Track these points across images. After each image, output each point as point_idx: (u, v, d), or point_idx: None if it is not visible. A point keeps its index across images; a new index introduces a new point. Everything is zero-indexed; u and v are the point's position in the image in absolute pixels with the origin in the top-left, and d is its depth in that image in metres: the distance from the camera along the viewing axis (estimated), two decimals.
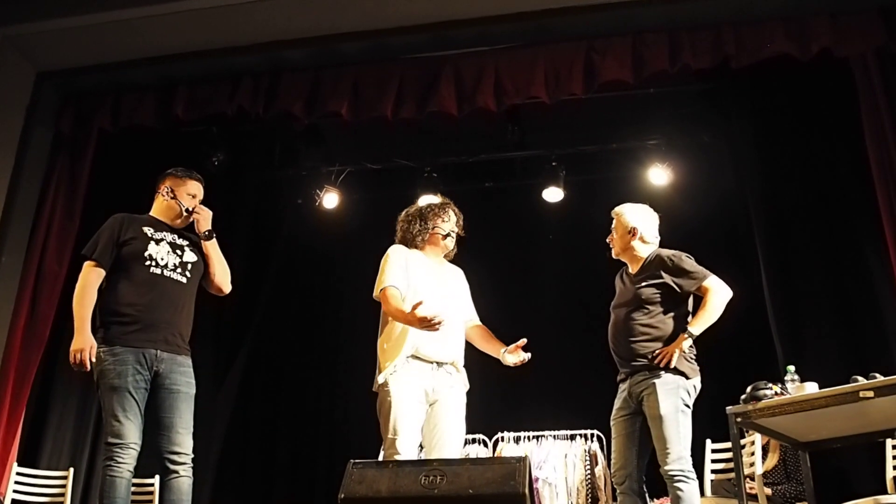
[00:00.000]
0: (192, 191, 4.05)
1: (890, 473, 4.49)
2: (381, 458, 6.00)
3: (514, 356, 3.82)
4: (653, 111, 6.43)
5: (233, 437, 6.87)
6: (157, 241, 3.86)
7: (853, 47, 5.20)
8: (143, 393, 3.64)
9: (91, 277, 3.77)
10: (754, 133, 6.14)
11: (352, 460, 3.03)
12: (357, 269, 7.27)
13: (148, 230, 3.88)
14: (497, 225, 7.00)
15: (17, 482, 5.47)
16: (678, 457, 3.68)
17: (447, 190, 6.61)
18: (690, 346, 3.87)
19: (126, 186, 6.72)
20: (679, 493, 3.64)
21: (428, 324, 3.48)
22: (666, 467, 3.69)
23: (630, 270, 4.16)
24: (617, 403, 4.02)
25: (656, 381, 3.78)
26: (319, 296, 7.81)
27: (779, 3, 5.25)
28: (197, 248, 3.99)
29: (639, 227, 4.14)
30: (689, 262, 3.97)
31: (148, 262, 3.79)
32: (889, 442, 4.55)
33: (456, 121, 5.68)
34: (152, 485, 5.83)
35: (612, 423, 4.02)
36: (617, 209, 4.27)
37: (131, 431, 3.58)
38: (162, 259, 3.83)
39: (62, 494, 5.65)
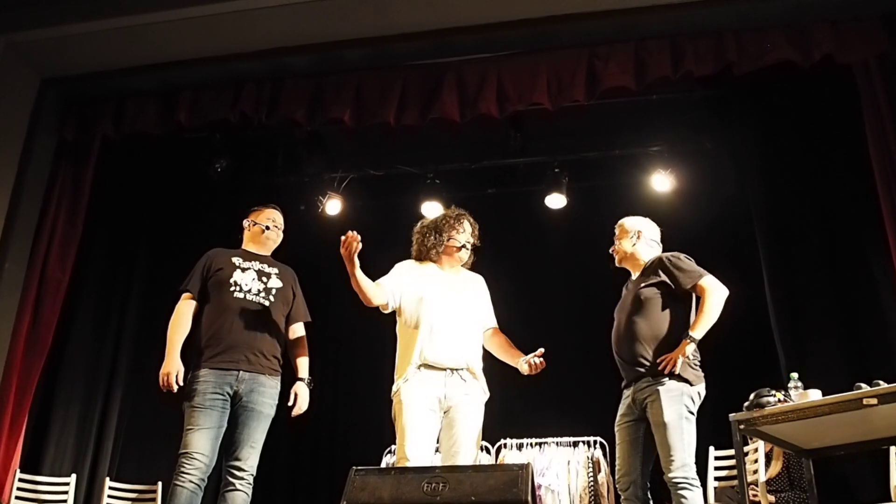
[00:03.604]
0: (269, 216, 4.39)
1: (893, 481, 4.48)
2: (388, 463, 6.01)
3: (528, 365, 3.86)
4: (655, 118, 6.43)
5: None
6: (244, 270, 4.10)
7: (855, 54, 5.20)
8: (220, 412, 3.82)
9: (182, 307, 4.04)
10: (757, 140, 6.14)
11: (354, 467, 3.03)
12: None
13: (237, 260, 4.13)
14: (500, 232, 6.99)
15: (19, 488, 5.48)
16: (682, 464, 3.66)
17: (450, 196, 6.62)
18: (694, 352, 3.85)
19: (129, 193, 6.76)
20: (683, 500, 3.63)
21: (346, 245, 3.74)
22: (670, 474, 3.67)
23: (633, 277, 4.17)
24: (621, 409, 4.01)
25: (660, 387, 3.76)
26: (322, 302, 7.79)
27: (781, 9, 5.25)
28: (284, 277, 4.23)
29: (642, 230, 4.18)
30: (686, 262, 3.97)
31: (232, 289, 4.01)
32: (893, 449, 4.54)
33: (458, 127, 5.68)
34: (154, 491, 5.84)
35: (616, 429, 4.02)
36: (620, 221, 4.31)
37: (199, 443, 3.73)
38: (246, 285, 4.05)
39: (64, 501, 5.66)
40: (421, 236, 4.10)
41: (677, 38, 5.38)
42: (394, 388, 3.81)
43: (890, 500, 4.37)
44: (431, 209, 6.66)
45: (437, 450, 3.89)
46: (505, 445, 6.39)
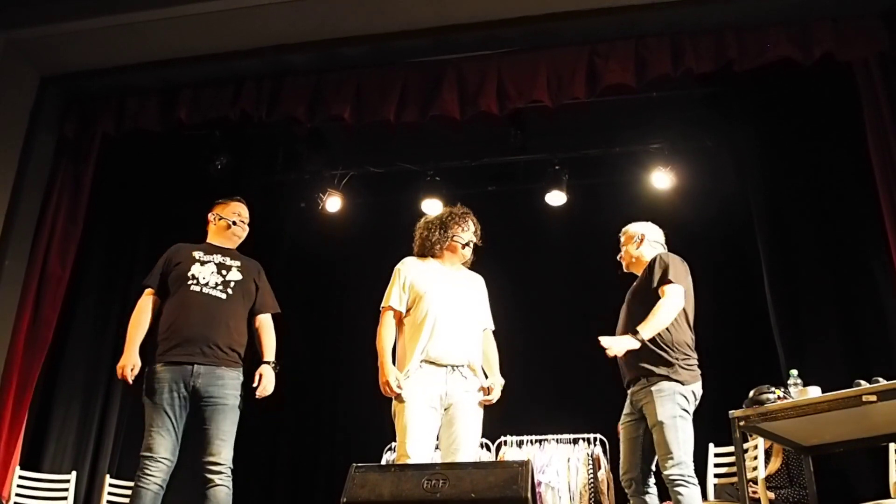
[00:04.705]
0: (235, 210, 4.37)
1: (893, 477, 4.48)
2: (389, 460, 6.01)
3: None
4: (655, 115, 6.44)
5: (235, 441, 6.86)
6: (203, 263, 4.10)
7: (856, 52, 5.20)
8: (180, 411, 3.84)
9: (143, 303, 4.07)
10: (757, 137, 6.14)
11: (354, 464, 3.03)
12: (359, 272, 7.34)
13: (197, 254, 4.13)
14: (500, 229, 6.98)
15: (19, 485, 5.48)
16: (678, 461, 3.70)
17: (450, 194, 6.63)
18: (686, 356, 3.90)
19: (129, 190, 6.76)
20: (679, 497, 3.67)
21: (386, 390, 3.70)
22: (666, 472, 3.72)
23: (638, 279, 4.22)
24: (625, 409, 4.08)
25: (653, 388, 3.82)
26: (322, 299, 7.82)
27: (781, 7, 5.24)
28: (246, 270, 4.19)
29: (646, 233, 4.26)
30: (669, 263, 3.99)
31: (190, 282, 4.01)
32: (892, 446, 4.54)
33: (459, 124, 5.68)
34: None
35: (619, 427, 4.08)
36: (624, 228, 4.38)
37: (161, 446, 3.77)
38: (204, 278, 4.04)
39: (65, 498, 5.66)
40: (426, 231, 4.08)
41: (677, 36, 5.38)
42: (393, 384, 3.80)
43: (889, 497, 4.37)
44: (431, 206, 6.68)
45: (436, 447, 3.90)
46: (505, 442, 6.39)
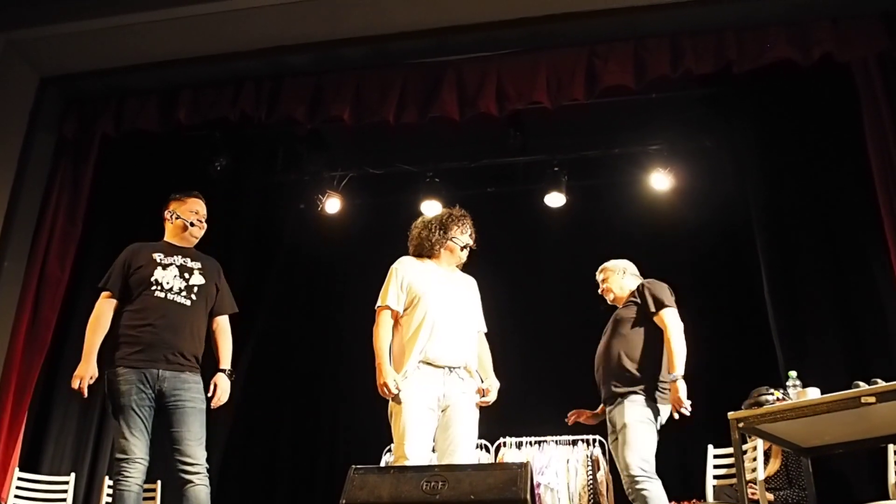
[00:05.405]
0: (193, 207, 4.26)
1: (892, 479, 4.48)
2: (388, 462, 6.00)
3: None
4: (655, 116, 6.44)
5: (234, 443, 6.87)
6: (165, 266, 4.04)
7: (855, 52, 5.20)
8: (148, 410, 3.83)
9: (103, 307, 4.00)
10: (756, 138, 6.14)
11: (353, 466, 3.03)
12: (359, 273, 7.33)
13: (158, 256, 4.07)
14: (499, 230, 7.00)
15: (18, 487, 5.47)
16: (642, 459, 3.85)
17: (449, 195, 6.62)
18: (662, 382, 4.04)
19: (129, 191, 6.75)
20: (644, 491, 3.80)
21: (384, 391, 3.68)
22: (630, 471, 3.85)
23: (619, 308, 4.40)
24: (608, 428, 4.22)
25: (626, 400, 4.00)
26: (322, 301, 7.82)
27: (781, 8, 5.24)
28: (207, 272, 4.14)
29: (626, 267, 4.48)
30: (659, 289, 4.18)
31: (154, 287, 3.97)
32: (891, 447, 4.54)
33: (458, 126, 5.68)
34: (154, 490, 5.84)
35: (609, 446, 4.25)
36: (603, 265, 4.57)
37: (136, 447, 3.79)
38: (168, 283, 3.99)
39: (64, 500, 5.65)
40: (425, 231, 4.05)
41: (677, 37, 5.38)
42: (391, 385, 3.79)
43: (888, 498, 4.37)
44: (431, 207, 6.67)
45: (431, 448, 3.89)
46: (504, 444, 6.39)
